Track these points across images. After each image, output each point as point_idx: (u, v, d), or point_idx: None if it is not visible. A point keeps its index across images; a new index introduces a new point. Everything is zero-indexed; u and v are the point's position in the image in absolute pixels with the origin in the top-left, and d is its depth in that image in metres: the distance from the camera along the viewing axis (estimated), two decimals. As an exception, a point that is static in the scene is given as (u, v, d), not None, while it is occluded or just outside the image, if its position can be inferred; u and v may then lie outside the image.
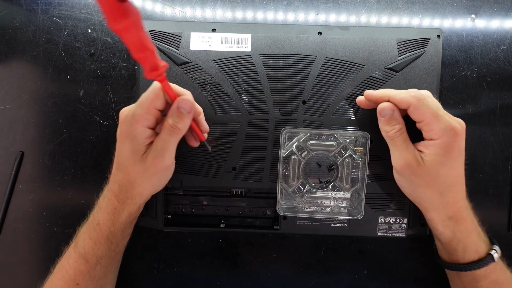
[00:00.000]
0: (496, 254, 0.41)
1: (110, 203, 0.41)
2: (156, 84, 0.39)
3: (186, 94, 0.40)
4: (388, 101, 0.41)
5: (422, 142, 0.41)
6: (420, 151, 0.40)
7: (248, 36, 0.46)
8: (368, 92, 0.43)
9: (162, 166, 0.40)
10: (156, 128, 0.41)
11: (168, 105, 0.40)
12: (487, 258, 0.41)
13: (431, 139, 0.39)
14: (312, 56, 0.46)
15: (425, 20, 0.50)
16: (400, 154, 0.41)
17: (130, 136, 0.39)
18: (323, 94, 0.46)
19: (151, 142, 0.40)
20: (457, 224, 0.41)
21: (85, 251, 0.42)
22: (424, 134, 0.40)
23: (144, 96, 0.39)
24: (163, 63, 0.35)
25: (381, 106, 0.41)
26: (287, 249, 0.51)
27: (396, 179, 0.43)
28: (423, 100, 0.39)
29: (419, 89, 0.45)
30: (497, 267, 0.41)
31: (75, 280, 0.42)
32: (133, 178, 0.40)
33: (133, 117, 0.39)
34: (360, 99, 0.44)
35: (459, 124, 0.39)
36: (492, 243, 0.43)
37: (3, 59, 0.51)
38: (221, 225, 0.48)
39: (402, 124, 0.41)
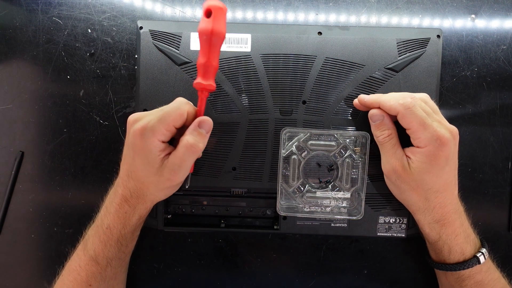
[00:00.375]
0: (482, 257, 0.42)
1: (121, 208, 0.42)
2: (180, 103, 0.39)
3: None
4: (379, 107, 0.42)
5: (410, 148, 0.41)
6: (408, 157, 0.41)
7: (248, 36, 0.46)
8: (361, 96, 0.44)
9: (177, 181, 0.41)
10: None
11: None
12: (472, 260, 0.42)
13: (418, 147, 0.40)
14: (312, 56, 0.46)
15: (425, 20, 0.50)
16: (387, 159, 0.42)
17: (146, 149, 0.38)
18: (323, 94, 0.46)
19: (165, 155, 0.39)
20: (443, 227, 0.42)
21: (95, 253, 0.43)
22: (412, 141, 0.40)
23: (167, 113, 0.38)
24: (214, 84, 0.40)
25: (372, 112, 0.42)
26: (287, 249, 0.51)
27: (385, 181, 0.44)
28: (411, 109, 0.39)
29: (419, 89, 0.45)
30: (483, 269, 0.42)
31: (88, 282, 0.43)
32: (146, 187, 0.40)
33: (151, 130, 0.38)
34: (356, 102, 0.45)
35: (450, 132, 0.39)
36: (482, 245, 0.43)
37: (3, 59, 0.51)
38: (221, 225, 0.48)
39: (392, 130, 0.41)
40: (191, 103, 0.41)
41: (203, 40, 0.38)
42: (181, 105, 0.39)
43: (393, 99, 0.40)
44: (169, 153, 0.40)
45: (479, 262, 0.42)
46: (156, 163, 0.39)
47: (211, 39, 0.37)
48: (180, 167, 0.39)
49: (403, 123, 0.40)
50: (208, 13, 0.37)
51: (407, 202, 0.43)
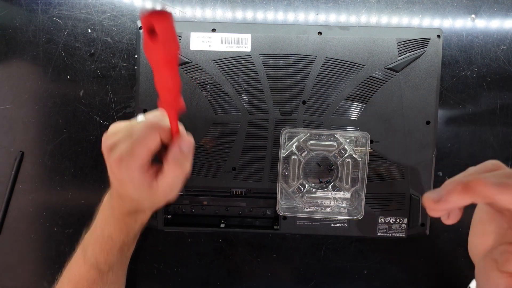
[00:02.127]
0: None
1: (122, 219, 0.41)
2: (150, 129, 0.35)
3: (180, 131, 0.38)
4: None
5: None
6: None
7: (248, 36, 0.46)
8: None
9: (172, 198, 0.39)
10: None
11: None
12: None
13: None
14: (312, 56, 0.46)
15: (425, 20, 0.50)
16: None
17: (129, 177, 0.36)
18: (323, 94, 0.46)
19: (152, 171, 0.37)
20: None
21: (97, 261, 0.42)
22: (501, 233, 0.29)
23: (139, 141, 0.35)
24: (182, 101, 0.34)
25: None
26: (287, 249, 0.51)
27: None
28: None
29: (419, 89, 0.45)
30: None
31: None
32: (142, 203, 0.40)
33: (127, 162, 0.35)
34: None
35: None
36: None
37: (3, 59, 0.51)
38: (221, 225, 0.48)
39: None
40: (163, 118, 0.37)
41: (155, 65, 0.30)
42: (151, 132, 0.35)
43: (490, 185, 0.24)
44: (156, 167, 0.37)
45: None
46: (144, 183, 0.37)
47: (166, 61, 0.30)
48: (172, 189, 0.38)
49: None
50: (151, 32, 0.27)
51: None
